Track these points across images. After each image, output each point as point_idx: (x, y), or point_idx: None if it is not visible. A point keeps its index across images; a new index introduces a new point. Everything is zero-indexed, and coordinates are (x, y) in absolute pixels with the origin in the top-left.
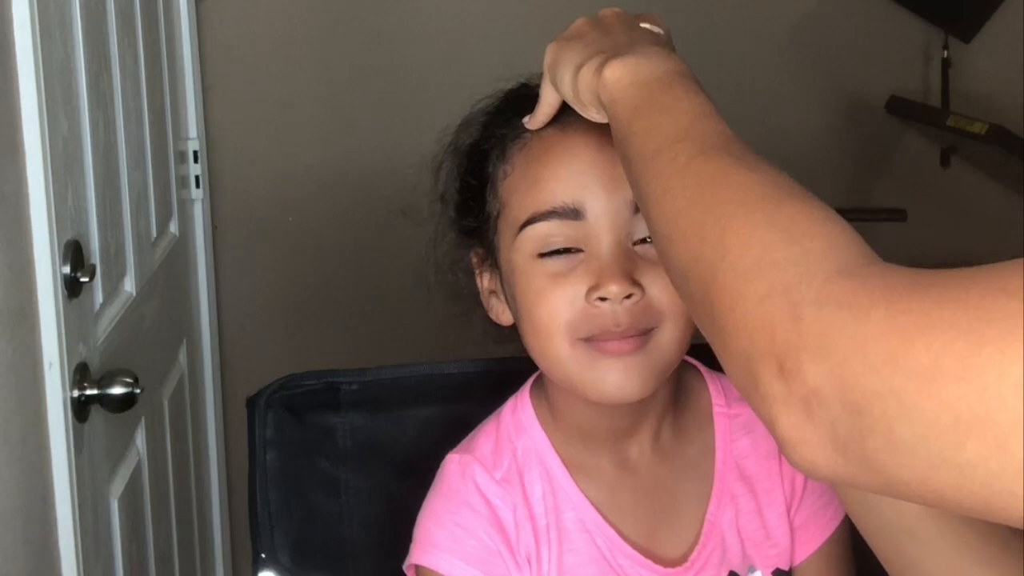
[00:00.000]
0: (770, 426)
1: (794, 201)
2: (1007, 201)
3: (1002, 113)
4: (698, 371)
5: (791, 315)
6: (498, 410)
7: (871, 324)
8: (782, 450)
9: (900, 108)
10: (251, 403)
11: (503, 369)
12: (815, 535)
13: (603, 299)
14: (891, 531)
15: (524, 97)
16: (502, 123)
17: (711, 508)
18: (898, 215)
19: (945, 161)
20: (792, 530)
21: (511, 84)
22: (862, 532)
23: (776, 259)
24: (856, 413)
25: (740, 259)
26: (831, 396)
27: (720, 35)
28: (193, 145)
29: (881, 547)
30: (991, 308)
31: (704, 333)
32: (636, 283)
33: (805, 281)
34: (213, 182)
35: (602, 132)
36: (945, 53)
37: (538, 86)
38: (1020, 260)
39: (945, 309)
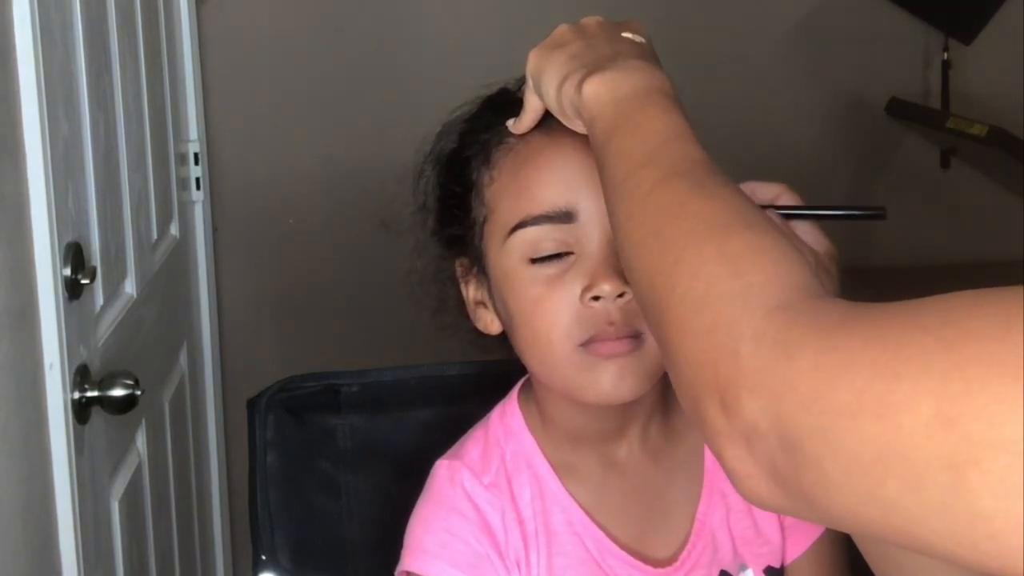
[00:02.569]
0: (719, 459)
1: (745, 232)
2: (1007, 203)
3: (1002, 115)
4: None
5: (731, 350)
6: (486, 416)
7: (801, 361)
8: (732, 483)
9: (900, 110)
10: (251, 405)
11: (503, 370)
12: (807, 532)
13: (596, 298)
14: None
15: (504, 103)
16: (483, 128)
17: (701, 507)
18: (877, 213)
19: (945, 163)
20: (783, 528)
21: (492, 90)
22: (852, 537)
23: (721, 292)
24: (790, 449)
25: (688, 291)
26: (768, 432)
27: (720, 37)
28: (193, 147)
29: (869, 551)
30: (908, 345)
31: (663, 361)
32: (628, 282)
33: (746, 316)
34: (213, 184)
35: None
36: (945, 55)
37: (518, 91)
38: (942, 297)
39: (868, 347)
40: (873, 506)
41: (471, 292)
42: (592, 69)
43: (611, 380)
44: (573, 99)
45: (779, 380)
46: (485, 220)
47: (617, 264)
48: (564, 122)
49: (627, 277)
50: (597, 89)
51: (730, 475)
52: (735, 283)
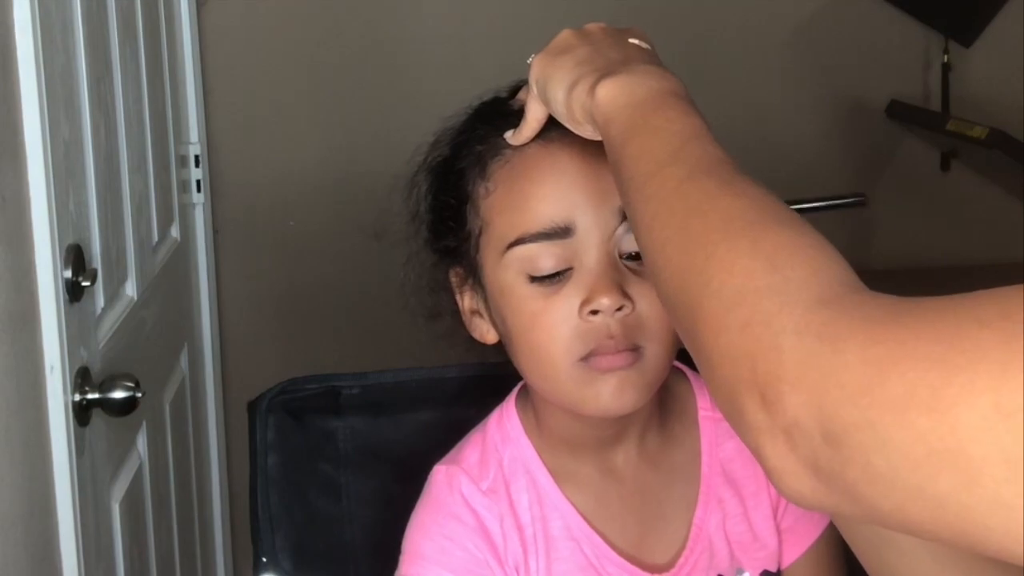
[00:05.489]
0: (757, 455)
1: (779, 227)
2: (1007, 205)
3: (1002, 117)
4: (684, 375)
5: (772, 344)
6: (484, 420)
7: (848, 355)
8: (771, 480)
9: (900, 112)
10: (252, 407)
11: (503, 373)
12: (804, 536)
13: (595, 312)
14: (872, 540)
15: (497, 112)
16: (478, 139)
17: (698, 512)
18: (858, 200)
19: (945, 165)
20: (780, 532)
21: (483, 98)
22: (846, 539)
23: (758, 287)
24: (835, 444)
25: (723, 286)
26: (811, 427)
27: (721, 40)
28: (194, 149)
29: (863, 554)
30: (964, 338)
31: (694, 360)
32: (626, 295)
33: (786, 310)
34: (214, 186)
35: (586, 145)
36: (945, 57)
37: (510, 99)
38: (997, 290)
39: (920, 339)
40: (923, 502)
41: (466, 302)
42: (604, 73)
43: (611, 393)
44: (585, 103)
45: (824, 373)
46: (480, 232)
47: (616, 277)
48: (572, 127)
49: (652, 280)
50: (612, 92)
51: (769, 473)
52: (773, 277)
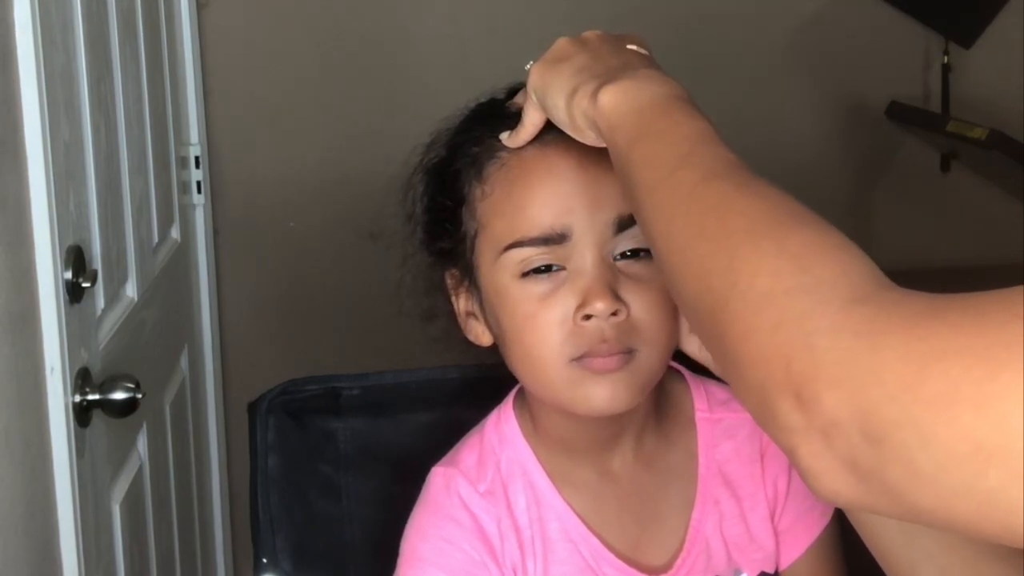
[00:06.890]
0: (791, 456)
1: (803, 228)
2: (1007, 206)
3: (1002, 118)
4: (681, 376)
5: (805, 344)
6: (481, 422)
7: (887, 352)
8: (804, 480)
9: (900, 113)
10: (252, 408)
11: (504, 374)
12: (802, 537)
13: (589, 316)
14: (896, 539)
15: (493, 114)
16: (474, 141)
17: (695, 514)
18: None
19: (945, 166)
20: (778, 533)
21: (480, 99)
22: (864, 538)
23: (787, 288)
24: (875, 442)
25: (750, 289)
26: (850, 426)
27: (721, 41)
28: (195, 150)
29: (884, 554)
30: (1009, 333)
31: (717, 364)
32: (620, 300)
33: (819, 310)
34: (214, 187)
35: (583, 149)
36: (945, 58)
37: (507, 102)
38: None
39: (962, 335)
40: (969, 499)
41: (462, 304)
42: (605, 80)
43: (603, 394)
44: (587, 110)
45: (863, 372)
46: (476, 234)
47: (610, 281)
48: (574, 135)
49: (669, 285)
50: (615, 99)
51: (804, 473)
52: (803, 277)
